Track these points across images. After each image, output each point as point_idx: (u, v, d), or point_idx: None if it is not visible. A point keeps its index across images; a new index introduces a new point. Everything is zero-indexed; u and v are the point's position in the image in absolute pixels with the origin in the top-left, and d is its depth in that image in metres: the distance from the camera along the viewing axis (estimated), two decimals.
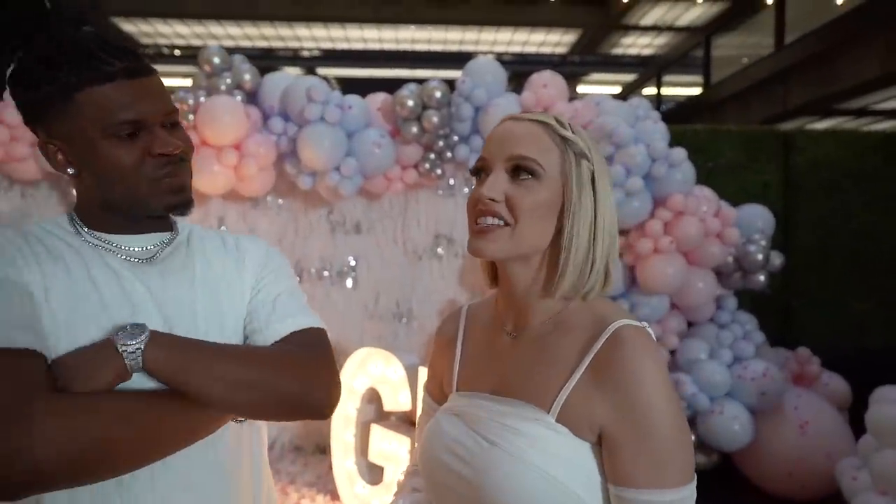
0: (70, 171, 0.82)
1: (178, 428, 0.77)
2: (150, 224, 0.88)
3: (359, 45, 9.11)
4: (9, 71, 0.81)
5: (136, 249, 0.86)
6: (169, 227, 0.91)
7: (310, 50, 9.36)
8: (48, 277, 0.77)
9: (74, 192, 0.90)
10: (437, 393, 0.94)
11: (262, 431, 0.95)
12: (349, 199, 3.14)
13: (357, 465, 2.67)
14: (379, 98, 3.03)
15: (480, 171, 0.80)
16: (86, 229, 0.85)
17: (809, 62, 5.43)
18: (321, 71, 9.51)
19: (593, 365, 0.72)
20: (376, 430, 2.62)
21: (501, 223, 0.75)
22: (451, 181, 3.23)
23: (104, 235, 0.85)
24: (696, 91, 8.23)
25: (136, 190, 0.82)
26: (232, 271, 0.91)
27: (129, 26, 8.88)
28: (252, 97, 2.99)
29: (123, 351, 0.73)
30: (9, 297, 0.73)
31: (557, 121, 0.79)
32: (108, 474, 0.73)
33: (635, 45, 8.75)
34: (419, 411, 1.00)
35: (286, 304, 0.90)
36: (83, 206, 0.86)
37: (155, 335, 0.75)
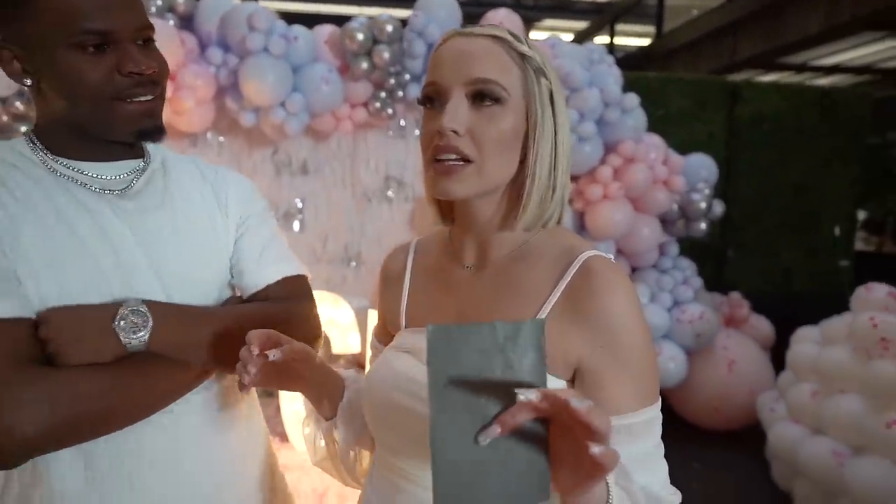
0: (27, 81, 0.74)
1: (161, 390, 0.76)
2: (120, 150, 0.81)
3: None
4: None
5: (108, 178, 0.80)
6: (140, 153, 0.84)
7: None
8: (15, 222, 0.72)
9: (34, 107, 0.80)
10: (385, 336, 0.88)
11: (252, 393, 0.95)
12: (295, 138, 3.00)
13: (305, 406, 2.66)
14: (326, 30, 2.86)
15: (432, 100, 0.71)
16: (49, 155, 0.77)
17: (759, 15, 5.51)
18: (261, 2, 8.91)
19: (565, 296, 0.69)
20: None
21: (463, 160, 0.68)
22: (402, 122, 3.14)
23: (70, 162, 0.77)
24: (648, 41, 8.25)
25: (101, 111, 0.74)
26: (213, 206, 0.88)
27: None
28: (186, 22, 2.76)
29: (127, 343, 0.73)
30: None
31: (512, 35, 0.71)
32: (94, 436, 0.73)
33: None
34: (369, 354, 0.96)
35: (273, 250, 0.91)
36: (44, 124, 0.78)
37: (158, 319, 0.74)
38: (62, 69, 0.72)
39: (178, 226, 0.83)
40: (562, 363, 0.68)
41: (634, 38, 9.53)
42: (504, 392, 0.51)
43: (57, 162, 0.77)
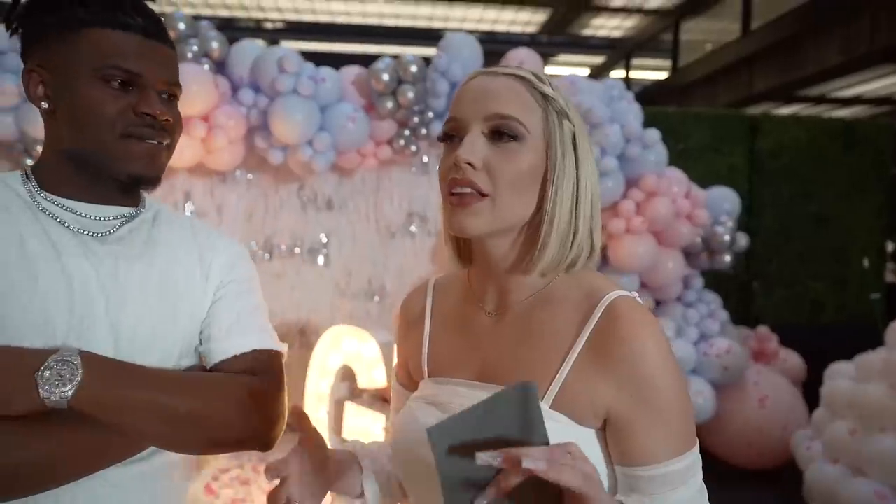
0: (44, 104, 0.76)
1: (71, 461, 0.69)
2: (114, 194, 0.79)
3: (325, 18, 8.86)
4: None
5: (91, 220, 0.77)
6: (135, 202, 0.82)
7: (274, 21, 9.05)
8: None
9: (43, 138, 0.81)
10: (407, 380, 0.84)
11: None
12: (321, 174, 3.07)
13: (330, 442, 2.66)
14: (353, 72, 2.96)
15: (452, 136, 0.70)
16: (39, 190, 0.76)
17: (774, 49, 5.56)
18: (286, 44, 9.22)
19: (591, 342, 0.66)
20: (350, 408, 2.60)
21: (478, 194, 0.67)
22: (425, 158, 3.20)
23: (57, 199, 0.76)
24: (664, 75, 8.35)
25: (108, 144, 0.74)
26: (196, 267, 0.83)
27: None
28: (220, 67, 2.88)
29: (45, 398, 0.65)
30: None
31: (535, 75, 0.70)
32: (11, 497, 0.67)
33: (605, 27, 8.77)
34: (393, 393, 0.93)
35: (250, 320, 0.84)
36: (47, 155, 0.79)
37: (90, 376, 0.66)
38: (82, 95, 0.73)
39: (151, 280, 0.78)
40: (591, 412, 0.66)
41: (650, 71, 9.64)
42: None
43: (43, 197, 0.76)
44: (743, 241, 3.21)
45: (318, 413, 2.67)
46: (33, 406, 0.65)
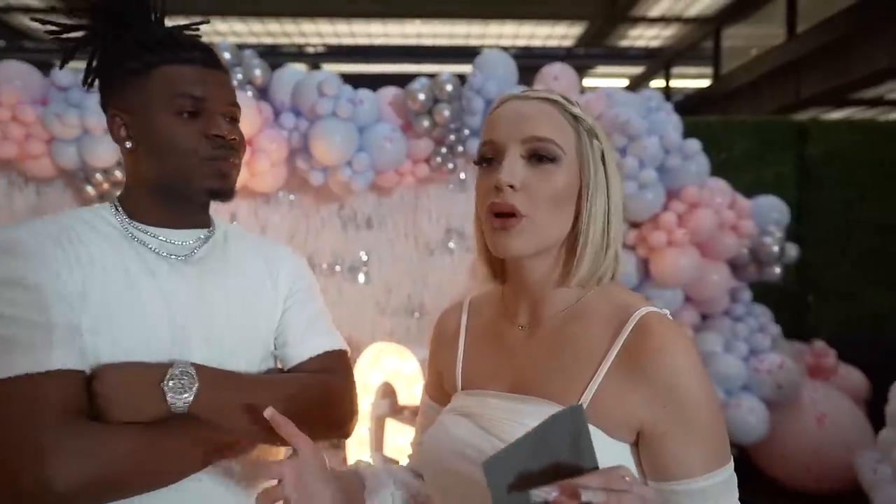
0: (128, 144, 0.84)
1: (193, 456, 0.77)
2: (191, 217, 0.88)
3: (364, 41, 9.09)
4: (98, 52, 0.85)
5: (175, 244, 0.86)
6: (207, 223, 0.92)
7: (315, 46, 9.34)
8: (87, 280, 0.77)
9: (124, 175, 0.90)
10: (438, 394, 0.87)
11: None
12: (360, 194, 3.13)
13: (372, 459, 2.67)
14: (390, 93, 3.02)
15: (489, 159, 0.73)
16: (128, 219, 0.85)
17: (822, 52, 5.37)
18: (326, 67, 9.50)
19: (622, 356, 0.68)
20: (391, 425, 2.62)
21: (520, 215, 0.70)
22: (462, 175, 3.22)
23: (144, 227, 0.85)
24: (706, 83, 8.17)
25: (185, 167, 0.82)
26: (265, 279, 0.92)
27: None
28: (263, 93, 2.99)
29: (172, 405, 0.74)
30: (48, 308, 0.74)
31: (565, 98, 0.74)
32: (124, 497, 0.74)
33: (643, 37, 8.67)
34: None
35: (318, 324, 0.94)
36: (130, 188, 0.87)
37: (204, 384, 0.76)
38: (160, 130, 0.81)
39: (232, 293, 0.87)
40: (624, 426, 0.67)
41: (691, 80, 9.45)
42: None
43: (133, 226, 0.84)
44: (793, 251, 3.08)
45: (359, 429, 2.69)
46: (160, 412, 0.74)
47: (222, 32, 9.02)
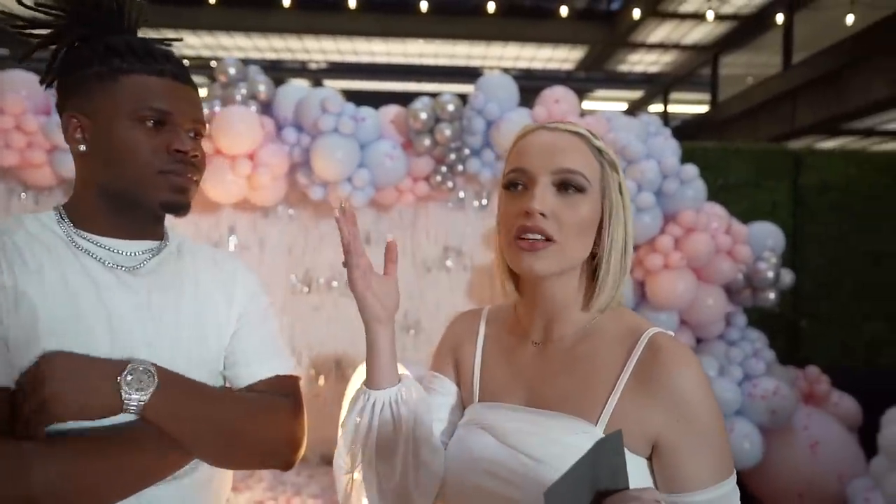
0: (82, 147, 0.82)
1: (137, 472, 0.74)
2: (142, 228, 0.85)
3: (366, 59, 9.19)
4: (63, 49, 0.83)
5: (123, 255, 0.83)
6: (160, 234, 0.89)
7: (318, 62, 9.45)
8: (19, 288, 0.74)
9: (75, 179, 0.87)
10: (448, 371, 0.89)
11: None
12: (359, 210, 3.15)
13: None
14: (392, 110, 3.06)
15: (517, 184, 0.78)
16: (73, 228, 0.82)
17: (818, 82, 5.46)
18: (329, 83, 9.60)
19: (636, 373, 0.72)
20: None
21: (546, 239, 0.74)
22: (462, 194, 3.24)
23: (91, 236, 0.82)
24: (703, 109, 8.28)
25: (140, 176, 0.80)
26: (218, 295, 0.89)
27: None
28: (266, 108, 3.02)
29: (126, 401, 0.71)
30: None
31: (590, 132, 0.79)
32: None
33: (642, 62, 8.81)
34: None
35: (270, 346, 0.91)
36: (78, 196, 0.84)
37: (161, 385, 0.73)
38: (120, 137, 0.79)
39: (182, 308, 0.84)
40: (641, 440, 0.70)
41: (689, 105, 9.57)
42: None
43: (78, 235, 0.81)
44: (788, 277, 3.10)
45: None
46: (111, 410, 0.71)
47: (227, 47, 9.11)
